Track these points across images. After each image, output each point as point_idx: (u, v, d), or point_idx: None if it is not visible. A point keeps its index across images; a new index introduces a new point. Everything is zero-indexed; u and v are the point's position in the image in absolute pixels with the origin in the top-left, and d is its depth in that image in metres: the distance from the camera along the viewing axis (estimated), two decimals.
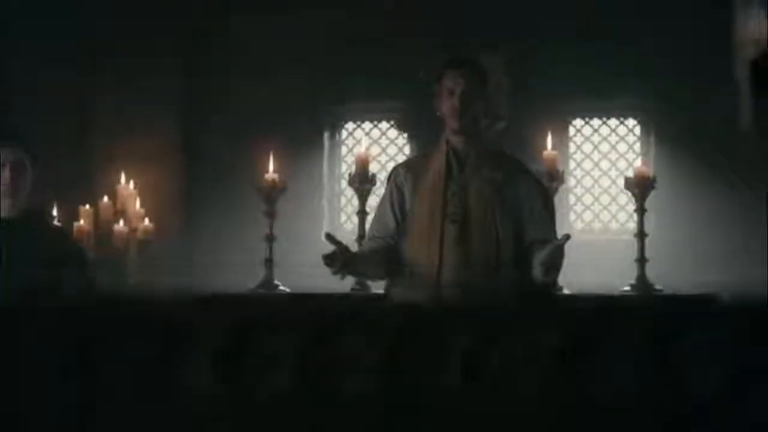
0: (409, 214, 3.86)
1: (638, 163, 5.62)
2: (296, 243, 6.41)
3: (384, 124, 7.69)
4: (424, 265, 3.75)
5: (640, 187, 5.35)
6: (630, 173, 5.56)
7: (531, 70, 7.24)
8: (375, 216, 4.01)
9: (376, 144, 7.59)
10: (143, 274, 6.66)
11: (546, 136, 5.37)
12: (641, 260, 5.35)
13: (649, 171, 5.54)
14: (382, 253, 3.87)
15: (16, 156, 4.58)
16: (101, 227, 6.74)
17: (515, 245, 3.78)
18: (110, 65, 7.30)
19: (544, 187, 3.96)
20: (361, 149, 5.59)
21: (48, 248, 4.61)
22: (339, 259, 3.61)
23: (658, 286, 5.33)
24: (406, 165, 4.06)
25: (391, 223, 3.90)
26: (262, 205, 5.58)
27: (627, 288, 5.32)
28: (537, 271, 3.64)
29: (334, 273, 3.65)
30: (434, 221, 3.77)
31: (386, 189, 3.99)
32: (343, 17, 7.33)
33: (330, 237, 3.63)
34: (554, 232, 3.91)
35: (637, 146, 7.55)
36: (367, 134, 7.69)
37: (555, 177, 5.32)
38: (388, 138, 7.66)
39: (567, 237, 3.56)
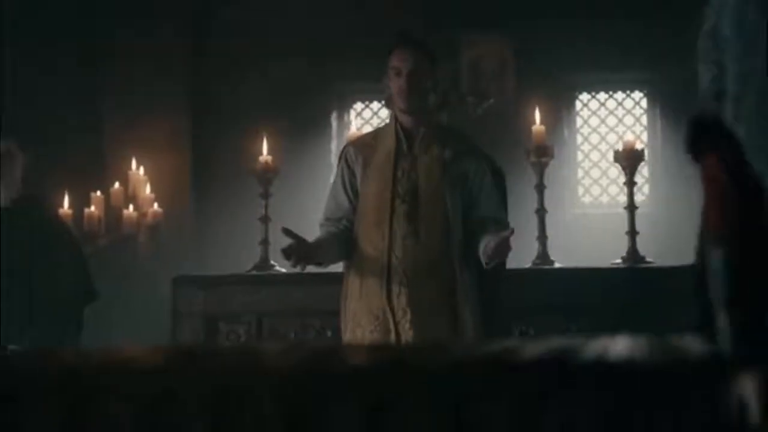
0: (360, 194, 3.91)
1: (629, 136, 5.61)
2: (304, 223, 6.48)
3: None
4: (375, 244, 3.81)
5: (629, 160, 5.34)
6: (638, 146, 5.52)
7: (537, 45, 7.26)
8: (328, 196, 4.04)
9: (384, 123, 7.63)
10: (151, 258, 6.80)
11: (535, 110, 5.36)
12: (632, 233, 5.35)
13: (639, 144, 5.53)
14: (336, 239, 3.92)
15: (6, 145, 4.70)
16: (112, 213, 6.87)
17: (465, 223, 3.83)
18: (119, 53, 7.41)
19: (496, 164, 3.99)
20: (352, 129, 5.64)
21: (42, 238, 4.73)
22: (295, 252, 3.67)
23: (649, 259, 5.33)
24: (356, 144, 4.09)
25: (345, 203, 3.95)
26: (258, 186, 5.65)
27: (618, 261, 5.33)
28: (481, 258, 3.70)
29: (293, 266, 3.72)
30: (384, 201, 3.81)
31: (337, 169, 4.04)
32: None
33: (286, 231, 3.70)
34: (505, 209, 3.95)
35: (644, 119, 7.55)
36: (375, 113, 7.74)
37: (544, 152, 5.32)
38: None
39: (511, 231, 3.61)
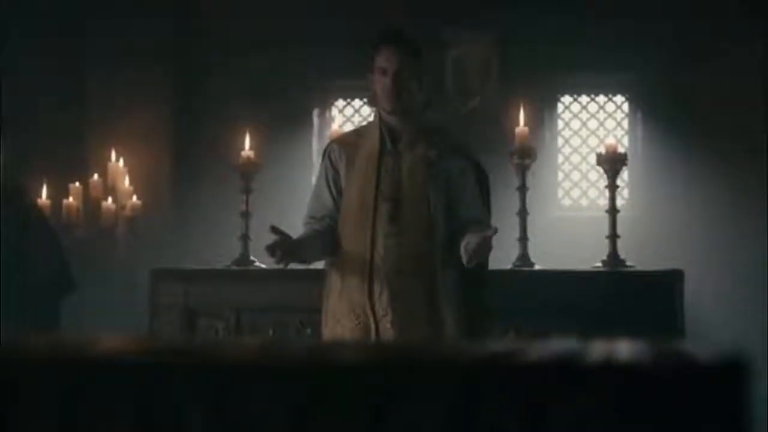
0: (344, 193, 3.88)
1: (611, 140, 5.61)
2: (284, 219, 6.45)
3: None
4: (358, 242, 3.78)
5: (611, 164, 5.34)
6: (620, 150, 5.52)
7: (521, 46, 7.26)
8: (312, 194, 4.00)
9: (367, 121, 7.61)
10: (130, 250, 6.76)
11: (519, 112, 5.36)
12: (612, 236, 5.35)
13: (621, 147, 5.53)
14: (319, 236, 3.88)
15: None
16: (90, 204, 6.84)
17: (448, 223, 3.81)
18: (100, 43, 7.37)
19: (480, 166, 3.96)
20: (334, 127, 5.62)
21: (21, 227, 4.70)
22: (280, 248, 3.65)
23: (629, 263, 5.34)
24: (340, 141, 4.04)
25: (329, 202, 3.91)
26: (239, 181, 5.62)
27: (598, 264, 5.33)
28: (462, 257, 3.68)
29: (277, 263, 3.69)
30: (367, 199, 3.77)
31: (321, 166, 4.00)
32: None
33: (274, 228, 3.67)
34: (488, 211, 3.93)
35: (625, 123, 7.58)
36: (357, 111, 7.72)
37: (527, 154, 5.31)
38: None
39: (495, 230, 3.59)
